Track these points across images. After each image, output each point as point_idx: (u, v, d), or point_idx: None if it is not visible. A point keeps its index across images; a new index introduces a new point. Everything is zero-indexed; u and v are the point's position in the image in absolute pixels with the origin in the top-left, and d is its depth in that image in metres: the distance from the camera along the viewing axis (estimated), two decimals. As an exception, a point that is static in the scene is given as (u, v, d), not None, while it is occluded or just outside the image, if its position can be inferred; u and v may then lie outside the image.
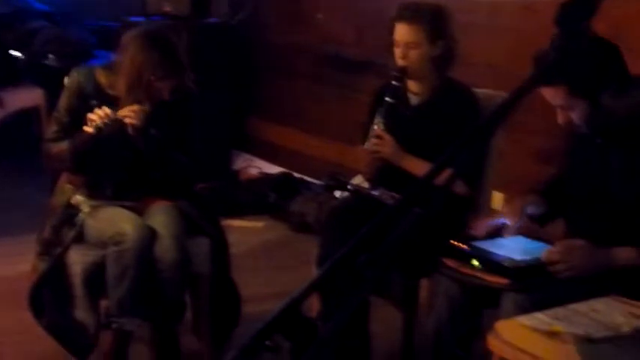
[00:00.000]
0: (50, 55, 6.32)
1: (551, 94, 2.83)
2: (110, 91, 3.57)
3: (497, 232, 3.16)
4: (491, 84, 3.83)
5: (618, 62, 2.82)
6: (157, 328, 3.63)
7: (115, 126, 3.46)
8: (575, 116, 2.84)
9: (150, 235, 3.45)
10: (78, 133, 3.49)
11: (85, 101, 3.55)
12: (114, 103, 3.50)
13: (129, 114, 3.46)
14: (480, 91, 3.69)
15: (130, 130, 3.49)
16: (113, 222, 3.48)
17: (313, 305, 3.50)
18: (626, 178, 2.84)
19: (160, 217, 3.53)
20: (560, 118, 2.89)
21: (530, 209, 3.20)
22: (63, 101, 3.62)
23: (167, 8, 6.37)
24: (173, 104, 3.62)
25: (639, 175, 2.81)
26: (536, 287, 2.83)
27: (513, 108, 1.48)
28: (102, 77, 3.61)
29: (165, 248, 3.44)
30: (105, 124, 3.43)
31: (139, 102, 3.49)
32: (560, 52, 1.50)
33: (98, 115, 3.43)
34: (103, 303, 3.56)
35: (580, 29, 1.49)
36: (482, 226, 3.20)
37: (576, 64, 2.72)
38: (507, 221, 3.16)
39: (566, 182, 3.12)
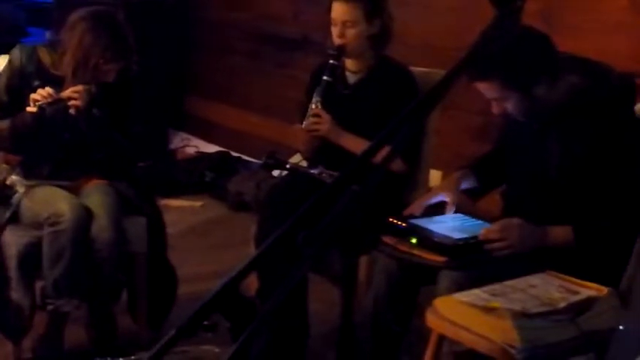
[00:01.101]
0: (-18, 33, 6.21)
1: (485, 88, 2.86)
2: (53, 71, 3.53)
3: (435, 211, 3.18)
4: (427, 62, 3.84)
5: (549, 52, 2.84)
6: (93, 309, 3.60)
7: (58, 106, 3.42)
8: (510, 107, 2.87)
9: (86, 216, 3.41)
10: (20, 113, 3.44)
11: (26, 81, 3.51)
12: (57, 83, 3.46)
13: (73, 95, 3.42)
14: (416, 70, 3.70)
15: (72, 110, 3.45)
16: (49, 202, 3.43)
17: (252, 284, 3.50)
18: (562, 160, 2.88)
19: (96, 196, 3.49)
20: (495, 109, 2.92)
21: (464, 184, 3.23)
22: (2, 80, 3.57)
23: (102, -15, 6.27)
24: (115, 85, 3.58)
25: (575, 158, 2.85)
26: (472, 264, 2.86)
27: (448, 89, 1.48)
28: (45, 56, 3.56)
29: (101, 228, 3.41)
30: (48, 104, 3.38)
31: (84, 83, 3.45)
32: (497, 36, 1.50)
33: (41, 95, 3.38)
34: (38, 284, 3.52)
35: (515, 8, 1.50)
36: (418, 205, 3.21)
37: (508, 57, 2.74)
38: (445, 198, 3.18)
39: (504, 164, 3.15)
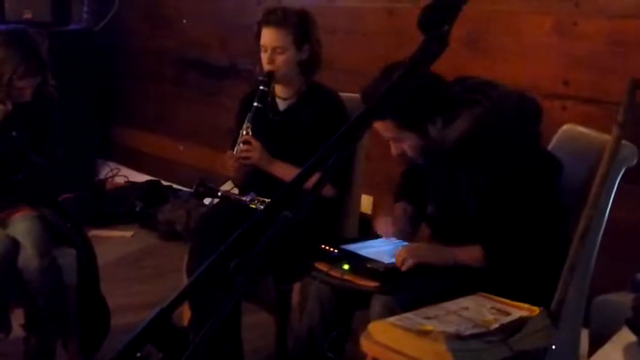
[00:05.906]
0: None
1: (382, 128, 2.88)
2: None
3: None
4: (355, 88, 3.85)
5: (441, 91, 2.87)
6: (39, 342, 3.52)
7: None
8: (407, 148, 2.90)
9: (12, 246, 3.36)
10: None
11: None
12: None
13: None
14: (345, 95, 3.72)
15: None
16: (-27, 235, 3.37)
17: (184, 314, 3.47)
18: (470, 192, 2.92)
19: (22, 226, 3.44)
20: (394, 150, 2.95)
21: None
22: None
23: (27, 15, 6.22)
24: (34, 107, 3.56)
25: (480, 189, 2.89)
26: (404, 288, 2.86)
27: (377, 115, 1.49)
28: None
29: (27, 257, 3.35)
30: None
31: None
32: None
33: None
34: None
35: (442, 33, 1.51)
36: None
37: (400, 97, 2.75)
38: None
39: (425, 197, 3.18)
